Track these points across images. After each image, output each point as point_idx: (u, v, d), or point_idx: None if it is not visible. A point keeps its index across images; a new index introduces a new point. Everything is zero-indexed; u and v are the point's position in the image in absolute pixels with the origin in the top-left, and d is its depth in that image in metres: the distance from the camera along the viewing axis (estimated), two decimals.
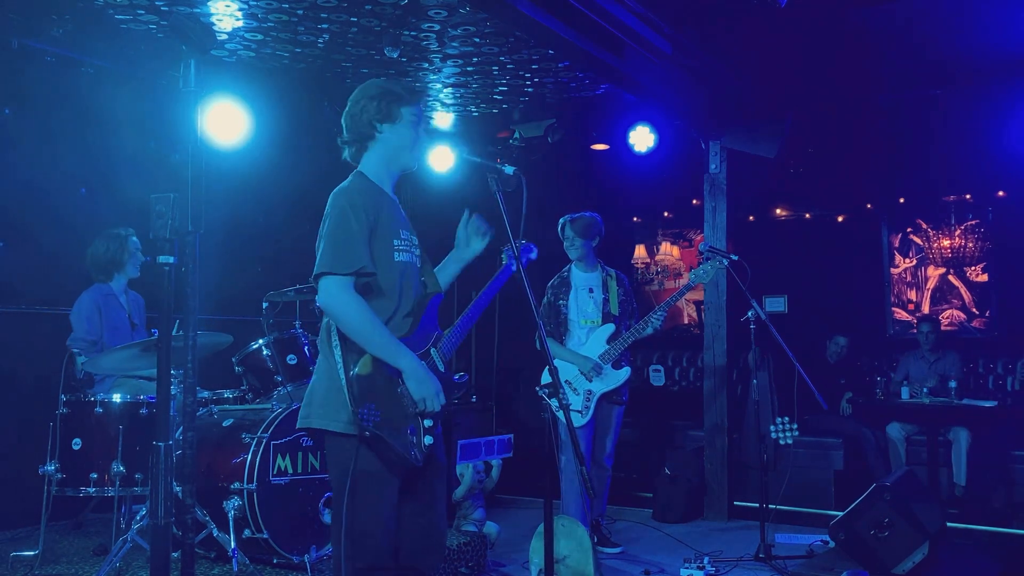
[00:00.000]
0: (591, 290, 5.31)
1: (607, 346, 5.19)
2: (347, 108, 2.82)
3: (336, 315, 2.58)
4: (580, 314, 5.29)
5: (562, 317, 5.28)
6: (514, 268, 3.43)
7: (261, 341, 4.64)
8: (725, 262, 5.24)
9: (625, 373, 5.25)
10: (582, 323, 5.29)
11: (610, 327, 5.24)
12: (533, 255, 3.79)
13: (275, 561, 4.09)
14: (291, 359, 4.65)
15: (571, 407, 5.04)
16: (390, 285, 2.71)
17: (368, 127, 2.77)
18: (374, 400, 2.55)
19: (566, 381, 5.14)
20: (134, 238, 4.86)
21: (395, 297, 2.71)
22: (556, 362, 5.30)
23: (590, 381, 5.15)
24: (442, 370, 2.82)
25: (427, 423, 2.68)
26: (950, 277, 7.86)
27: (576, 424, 5.06)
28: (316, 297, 2.60)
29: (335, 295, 2.56)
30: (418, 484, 2.73)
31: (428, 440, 2.67)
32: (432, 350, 2.82)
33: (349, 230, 2.59)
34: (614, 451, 5.36)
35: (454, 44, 5.20)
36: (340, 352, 2.58)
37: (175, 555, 3.01)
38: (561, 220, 5.36)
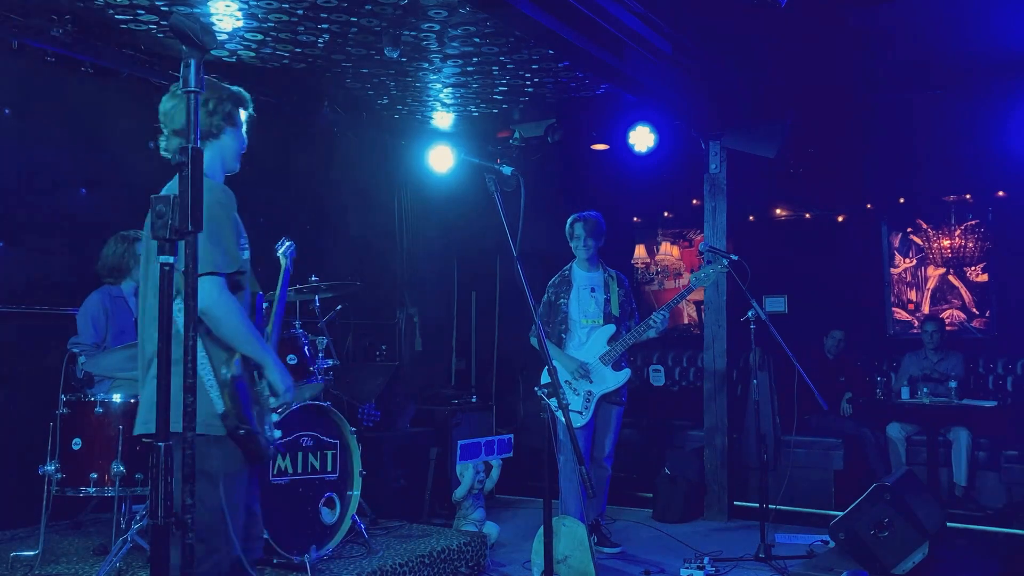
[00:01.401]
0: (593, 290, 5.32)
1: (608, 347, 5.20)
2: (182, 103, 2.69)
3: (219, 316, 2.54)
4: (582, 313, 5.29)
5: (562, 316, 5.29)
6: (291, 269, 3.55)
7: None
8: (725, 262, 5.26)
9: (625, 375, 5.26)
10: (583, 323, 5.29)
11: (611, 328, 5.25)
12: (294, 253, 3.90)
13: (275, 561, 4.09)
14: (291, 359, 4.65)
15: (571, 407, 5.04)
16: (244, 282, 2.73)
17: (216, 127, 2.75)
18: (247, 399, 2.58)
19: (566, 382, 5.14)
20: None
21: (246, 295, 2.74)
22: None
23: (591, 383, 5.16)
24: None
25: (274, 417, 2.74)
26: (950, 277, 7.86)
27: (576, 424, 5.07)
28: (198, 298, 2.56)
29: (219, 296, 2.53)
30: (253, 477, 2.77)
31: (277, 433, 2.74)
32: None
33: (226, 229, 2.59)
34: (614, 451, 5.36)
35: (454, 44, 5.20)
36: (204, 353, 2.56)
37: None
38: (570, 219, 5.37)
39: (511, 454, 4.94)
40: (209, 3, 4.57)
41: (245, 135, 2.86)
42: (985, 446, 6.54)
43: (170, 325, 1.99)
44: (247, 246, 2.80)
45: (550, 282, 5.43)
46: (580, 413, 5.13)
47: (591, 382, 5.16)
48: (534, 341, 5.29)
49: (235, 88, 2.84)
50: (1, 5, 4.60)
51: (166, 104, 2.76)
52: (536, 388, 3.35)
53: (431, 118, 6.91)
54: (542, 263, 5.63)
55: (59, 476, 4.01)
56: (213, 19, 4.78)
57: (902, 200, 8.04)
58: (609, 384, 5.21)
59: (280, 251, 3.98)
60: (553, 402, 3.26)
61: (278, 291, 3.43)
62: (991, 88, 6.09)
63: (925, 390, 6.49)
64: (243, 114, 2.82)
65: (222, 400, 2.54)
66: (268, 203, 6.18)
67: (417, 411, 6.76)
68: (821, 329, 7.51)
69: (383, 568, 4.20)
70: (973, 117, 6.45)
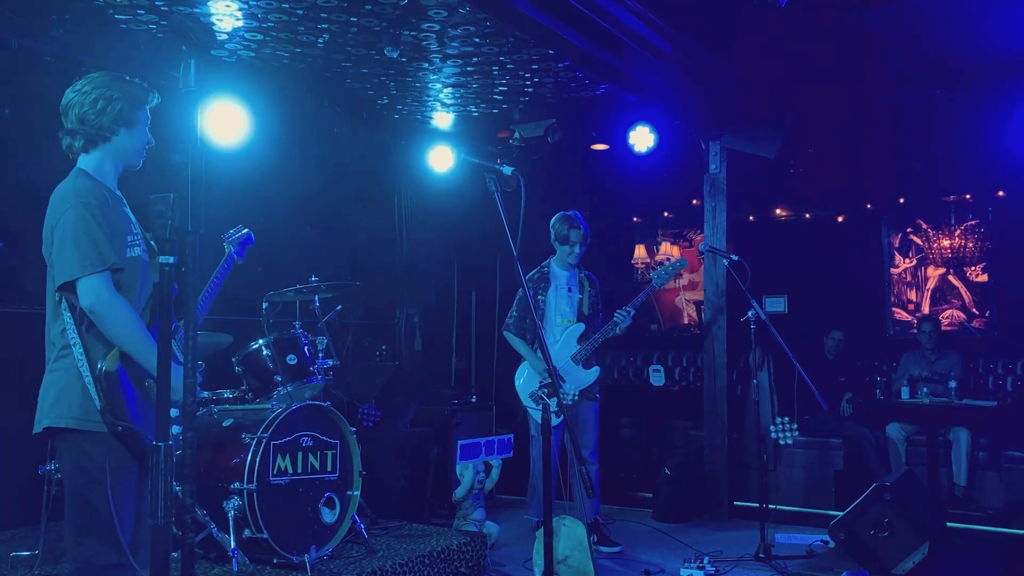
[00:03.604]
0: (570, 289, 5.41)
1: (578, 346, 5.27)
2: (77, 98, 2.71)
3: (105, 315, 2.53)
4: (558, 312, 5.37)
5: (539, 312, 5.33)
6: (237, 257, 3.40)
7: (261, 341, 4.64)
8: (685, 263, 5.50)
9: (595, 372, 5.36)
10: (559, 321, 5.36)
11: (581, 326, 5.36)
12: (252, 243, 3.75)
13: (275, 561, 4.09)
14: (291, 359, 4.65)
15: (550, 407, 5.08)
16: (130, 281, 2.69)
17: (106, 129, 2.70)
18: (130, 395, 2.55)
19: (540, 384, 5.18)
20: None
21: (136, 292, 2.70)
22: (524, 365, 5.38)
23: (564, 382, 5.20)
24: (181, 360, 2.77)
25: (173, 412, 2.65)
26: (950, 277, 7.86)
27: (553, 423, 5.09)
28: (79, 301, 2.54)
29: (102, 295, 2.52)
30: None
31: (175, 429, 2.65)
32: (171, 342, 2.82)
33: (91, 228, 2.55)
34: (597, 447, 5.42)
35: (454, 44, 5.20)
36: (82, 349, 2.56)
37: (175, 555, 3.01)
38: (563, 223, 5.40)
39: (511, 454, 4.94)
40: (209, 3, 4.57)
41: (148, 131, 2.78)
42: (985, 446, 6.54)
43: (169, 327, 1.98)
44: (138, 242, 2.75)
45: (527, 277, 5.44)
46: (555, 413, 5.14)
47: (564, 382, 5.20)
48: (509, 336, 5.36)
49: (133, 85, 2.75)
50: (1, 5, 4.60)
51: (65, 97, 2.74)
52: (535, 390, 3.36)
53: (431, 118, 6.90)
54: (540, 263, 5.63)
55: (59, 476, 4.00)
56: (213, 19, 4.78)
57: (902, 200, 8.04)
58: (582, 382, 5.28)
59: (227, 239, 3.73)
60: (553, 402, 3.27)
61: (211, 278, 3.32)
62: (991, 88, 6.08)
63: (925, 390, 6.50)
64: (142, 112, 2.74)
65: (98, 395, 2.52)
66: (267, 203, 6.18)
67: (417, 411, 6.76)
68: (821, 329, 7.51)
69: (383, 568, 4.20)
70: (973, 117, 6.44)
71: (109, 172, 2.77)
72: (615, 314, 5.25)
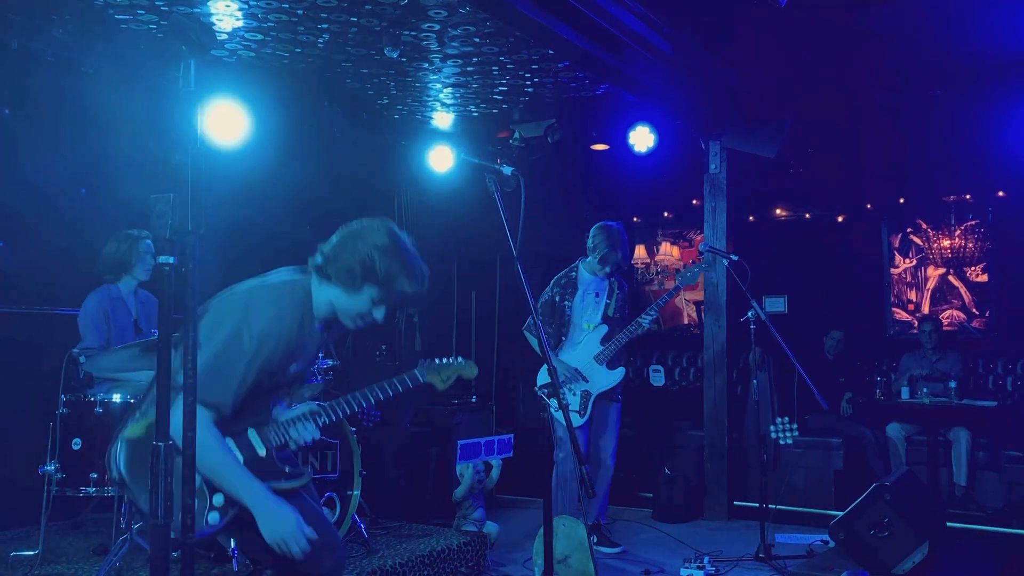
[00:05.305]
0: (597, 294, 5.36)
1: (601, 347, 5.24)
2: (350, 236, 2.73)
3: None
4: (583, 317, 5.33)
5: (565, 317, 5.30)
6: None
7: None
8: (707, 262, 5.38)
9: (620, 373, 5.31)
10: (585, 326, 5.33)
11: (604, 328, 5.32)
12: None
13: None
14: None
15: (570, 408, 5.07)
16: (249, 404, 2.54)
17: (338, 276, 2.61)
18: (141, 463, 2.35)
19: (562, 382, 5.15)
20: (148, 241, 4.83)
21: (246, 412, 2.56)
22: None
23: (587, 382, 5.18)
24: (261, 454, 2.59)
25: (216, 500, 2.45)
26: (950, 277, 7.86)
27: (575, 424, 5.08)
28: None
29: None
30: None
31: (211, 518, 2.42)
32: (250, 430, 2.59)
33: (235, 361, 2.42)
34: (616, 449, 5.38)
35: (454, 44, 5.20)
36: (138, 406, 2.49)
37: (175, 555, 3.00)
38: (607, 238, 5.26)
39: (511, 454, 4.94)
40: (209, 3, 4.57)
41: (368, 307, 2.67)
42: (985, 446, 6.54)
43: (170, 329, 1.98)
44: (298, 364, 2.63)
45: (555, 279, 5.41)
46: (579, 412, 5.15)
47: (587, 382, 5.19)
48: (528, 336, 5.32)
49: (390, 263, 2.74)
50: (1, 5, 4.60)
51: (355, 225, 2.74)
52: (536, 388, 3.36)
53: (431, 118, 6.90)
54: (542, 263, 5.64)
55: (59, 476, 4.01)
56: (213, 19, 4.78)
57: (902, 200, 8.04)
58: (605, 383, 5.26)
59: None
60: (553, 402, 3.27)
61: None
62: (991, 88, 6.09)
63: (925, 390, 6.49)
64: (372, 289, 2.65)
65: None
66: (267, 203, 6.18)
67: (417, 411, 6.76)
68: (821, 329, 7.51)
69: (383, 568, 4.20)
70: (973, 117, 6.45)
71: (323, 307, 2.65)
72: (640, 316, 5.21)
